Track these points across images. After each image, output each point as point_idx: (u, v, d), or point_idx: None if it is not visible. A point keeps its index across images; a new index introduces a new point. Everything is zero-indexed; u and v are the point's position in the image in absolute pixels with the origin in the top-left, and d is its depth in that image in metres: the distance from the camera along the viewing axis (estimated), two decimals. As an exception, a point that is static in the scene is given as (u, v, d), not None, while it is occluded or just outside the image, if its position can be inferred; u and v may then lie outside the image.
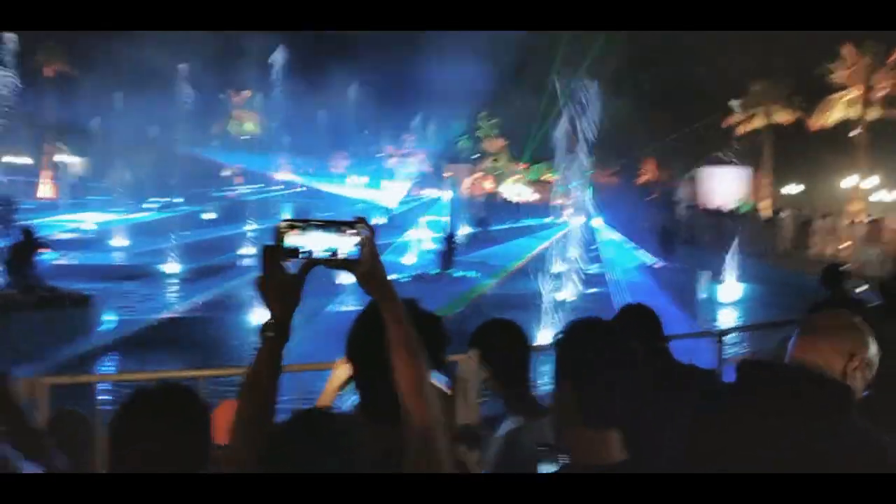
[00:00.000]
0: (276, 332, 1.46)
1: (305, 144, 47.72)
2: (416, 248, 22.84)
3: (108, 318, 11.78)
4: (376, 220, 36.72)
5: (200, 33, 43.21)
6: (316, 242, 1.40)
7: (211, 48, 43.57)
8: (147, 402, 1.67)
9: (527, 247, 25.14)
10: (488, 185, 65.48)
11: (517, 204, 58.10)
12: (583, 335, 1.71)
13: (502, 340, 2.60)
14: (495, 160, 65.09)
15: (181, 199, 36.40)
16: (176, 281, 17.26)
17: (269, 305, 1.47)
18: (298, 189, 47.65)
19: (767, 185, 39.71)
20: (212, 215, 35.03)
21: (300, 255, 1.40)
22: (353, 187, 56.00)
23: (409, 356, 1.46)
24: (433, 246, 24.29)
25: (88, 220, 29.26)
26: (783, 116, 36.91)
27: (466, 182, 69.35)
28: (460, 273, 16.26)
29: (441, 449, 1.44)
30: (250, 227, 26.21)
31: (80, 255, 19.51)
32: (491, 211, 42.39)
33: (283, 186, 45.54)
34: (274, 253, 1.42)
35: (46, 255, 14.36)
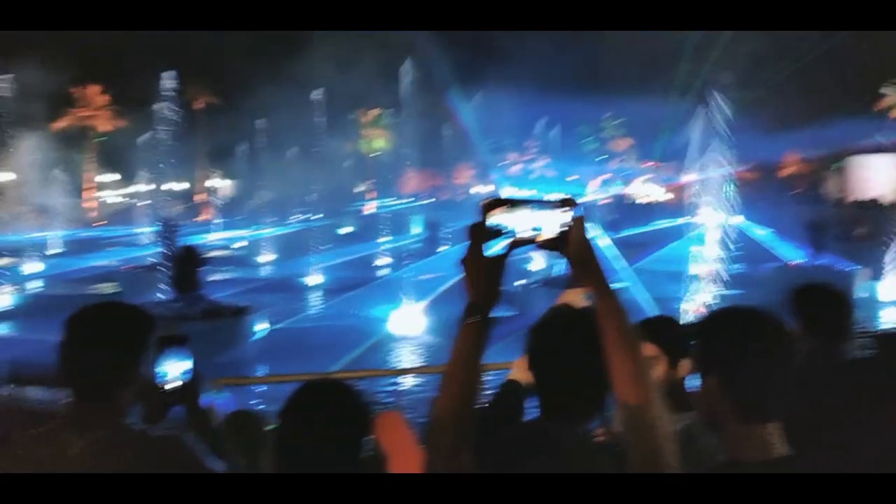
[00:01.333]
0: (480, 316, 1.35)
1: (432, 158, 48.96)
2: (546, 253, 22.70)
3: (261, 327, 12.70)
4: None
5: (330, 61, 45.75)
6: (521, 221, 1.34)
7: (338, 69, 45.90)
8: (313, 395, 1.71)
9: (659, 248, 24.26)
10: (616, 186, 63.92)
11: (648, 204, 56.29)
12: (729, 323, 1.53)
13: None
14: (622, 161, 63.56)
15: (320, 215, 38.46)
16: (318, 292, 18.30)
17: (472, 287, 1.36)
18: (428, 201, 48.83)
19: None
20: (349, 229, 36.71)
21: (504, 235, 1.34)
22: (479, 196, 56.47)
23: (627, 348, 1.34)
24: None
25: (239, 238, 31.67)
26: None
27: (593, 184, 68.05)
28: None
29: (664, 443, 1.33)
30: (384, 238, 27.31)
31: (233, 269, 21.18)
32: (621, 213, 41.29)
33: (413, 199, 46.86)
34: (478, 232, 1.35)
35: (205, 271, 15.76)
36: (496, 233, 1.34)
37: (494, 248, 1.37)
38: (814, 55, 36.90)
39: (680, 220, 39.76)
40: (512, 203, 1.35)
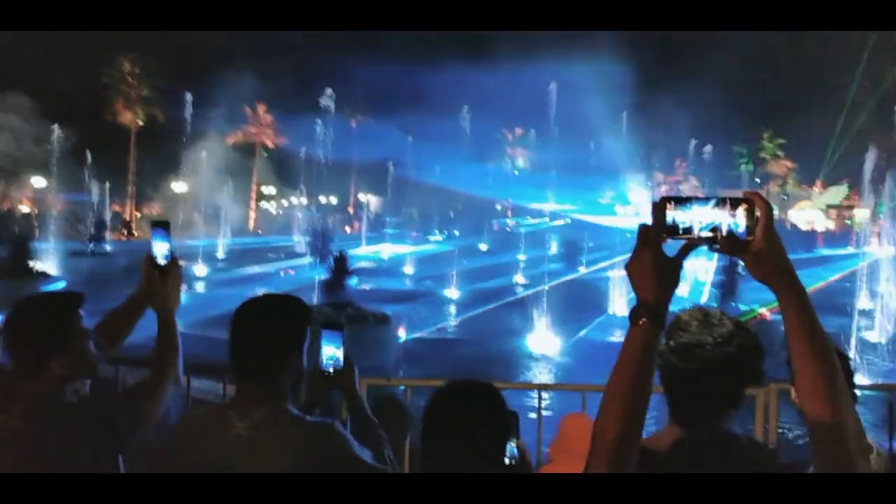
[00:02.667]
0: (651, 318, 1.27)
1: (574, 177, 48.46)
2: (690, 279, 21.66)
3: (401, 335, 13.19)
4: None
5: (475, 75, 46.82)
6: (698, 219, 1.24)
7: (488, 87, 46.70)
8: (459, 393, 1.78)
9: (820, 278, 22.36)
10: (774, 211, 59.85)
11: (809, 232, 52.12)
12: None
13: None
14: (782, 184, 59.29)
15: (458, 232, 39.27)
16: (455, 304, 18.69)
17: (643, 288, 1.28)
18: (564, 221, 48.37)
19: None
20: (485, 246, 37.19)
21: (680, 233, 1.25)
22: (621, 217, 55.13)
23: (819, 356, 1.25)
24: (709, 277, 22.85)
25: (385, 251, 33.06)
26: None
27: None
28: (743, 307, 14.90)
29: (857, 458, 1.26)
30: (521, 256, 27.42)
31: (379, 280, 22.17)
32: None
33: (547, 219, 46.61)
34: (651, 231, 1.28)
35: (353, 280, 16.69)
36: (672, 230, 1.25)
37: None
38: None
39: (846, 251, 36.45)
40: (686, 200, 1.25)
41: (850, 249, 36.83)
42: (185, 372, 2.34)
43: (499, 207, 55.65)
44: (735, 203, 1.24)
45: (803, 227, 55.70)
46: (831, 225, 60.28)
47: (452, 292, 20.12)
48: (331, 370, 2.08)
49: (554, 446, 3.09)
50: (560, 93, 38.89)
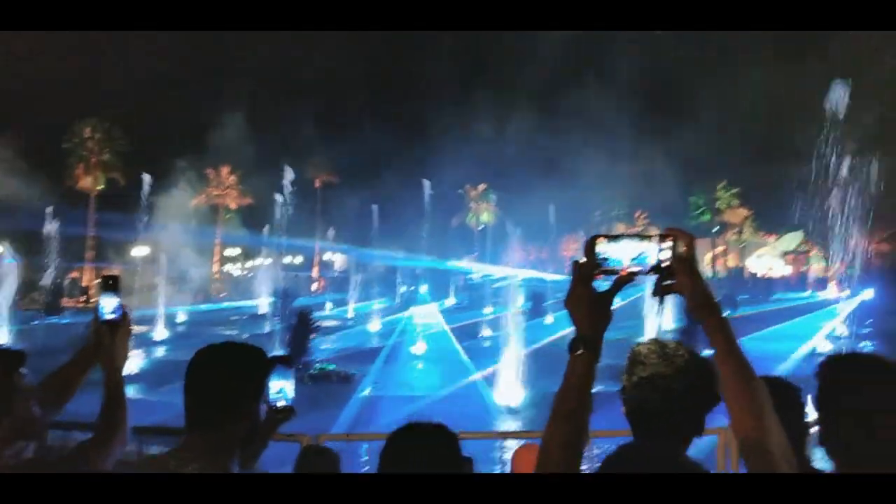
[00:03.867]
0: (588, 349, 1.39)
1: (537, 233, 49.08)
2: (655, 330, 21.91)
3: (364, 393, 13.01)
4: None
5: (437, 142, 47.74)
6: (626, 254, 1.37)
7: (448, 149, 47.59)
8: (415, 435, 1.81)
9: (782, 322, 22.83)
10: (731, 259, 61.18)
11: (766, 279, 53.35)
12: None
13: None
14: (739, 232, 60.85)
15: (426, 287, 39.25)
16: (421, 361, 18.54)
17: (579, 321, 1.41)
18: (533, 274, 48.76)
19: None
20: (452, 301, 37.25)
21: (609, 268, 1.37)
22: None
23: (738, 376, 1.36)
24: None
25: (349, 309, 32.81)
26: None
27: (706, 258, 65.40)
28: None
29: (784, 465, 1.36)
30: (488, 310, 27.47)
31: (343, 338, 21.95)
32: (736, 287, 39.35)
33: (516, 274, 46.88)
34: (585, 267, 1.39)
35: (317, 338, 16.48)
36: (604, 268, 1.37)
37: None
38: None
39: (804, 294, 37.38)
40: (617, 236, 1.38)
41: (808, 294, 37.77)
42: (139, 434, 2.27)
43: (466, 262, 55.94)
44: (661, 238, 1.36)
45: (762, 273, 56.91)
46: (788, 271, 61.77)
47: (419, 347, 19.95)
48: (279, 404, 2.05)
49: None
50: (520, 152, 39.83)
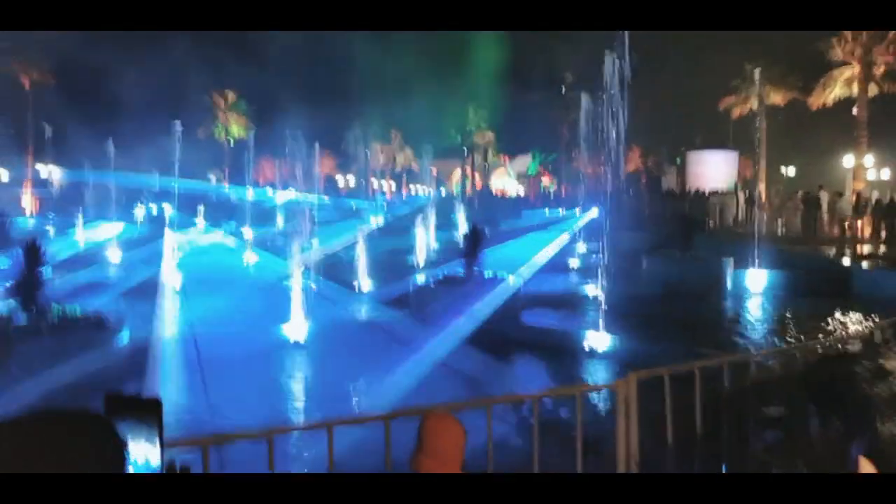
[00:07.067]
0: None
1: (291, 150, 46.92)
2: (424, 249, 22.18)
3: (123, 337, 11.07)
4: (375, 219, 36.09)
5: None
6: None
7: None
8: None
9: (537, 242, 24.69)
10: (477, 180, 65.04)
11: (509, 198, 57.68)
12: None
13: None
14: (484, 154, 64.52)
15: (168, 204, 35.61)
16: (181, 295, 16.54)
17: None
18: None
19: (763, 168, 39.57)
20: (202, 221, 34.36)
21: None
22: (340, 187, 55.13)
23: None
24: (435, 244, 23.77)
25: (79, 235, 28.20)
26: (778, 97, 36.74)
27: (455, 175, 68.74)
28: (490, 273, 15.27)
29: None
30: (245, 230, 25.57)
31: (81, 270, 18.65)
32: (492, 207, 42.02)
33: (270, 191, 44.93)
34: None
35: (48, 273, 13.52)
36: None
37: None
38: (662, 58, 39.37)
39: (544, 212, 41.06)
40: None
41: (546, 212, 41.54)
42: None
43: (213, 179, 51.81)
44: None
45: (497, 193, 61.59)
46: (521, 191, 67.73)
47: (174, 279, 17.66)
48: None
49: (420, 454, 2.72)
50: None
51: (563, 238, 25.78)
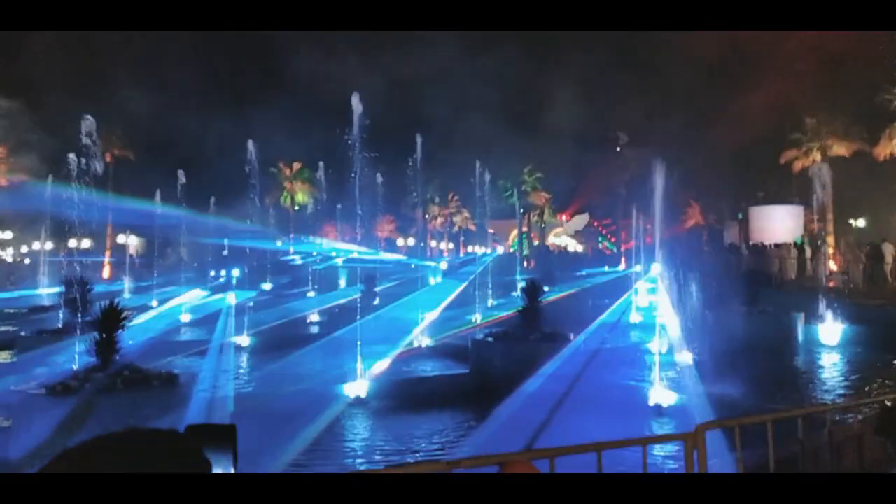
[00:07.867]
0: None
1: (352, 213, 48.18)
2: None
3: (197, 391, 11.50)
4: (433, 280, 36.49)
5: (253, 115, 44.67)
6: None
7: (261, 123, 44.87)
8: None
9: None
10: (534, 238, 65.22)
11: (569, 253, 57.48)
12: None
13: None
14: (541, 214, 64.88)
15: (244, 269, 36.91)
16: (250, 354, 17.10)
17: None
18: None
19: (831, 220, 38.36)
20: (269, 286, 35.40)
21: None
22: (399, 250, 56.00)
23: None
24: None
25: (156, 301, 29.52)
26: (842, 149, 35.90)
27: (512, 235, 69.05)
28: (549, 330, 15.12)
29: None
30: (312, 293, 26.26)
31: (158, 332, 19.53)
32: (553, 262, 41.89)
33: (334, 254, 45.88)
34: None
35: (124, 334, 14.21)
36: None
37: None
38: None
39: (604, 270, 40.66)
40: None
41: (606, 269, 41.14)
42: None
43: (279, 244, 53.50)
44: None
45: (557, 249, 61.51)
46: (580, 248, 67.43)
47: (244, 339, 18.34)
48: None
49: None
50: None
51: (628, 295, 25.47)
